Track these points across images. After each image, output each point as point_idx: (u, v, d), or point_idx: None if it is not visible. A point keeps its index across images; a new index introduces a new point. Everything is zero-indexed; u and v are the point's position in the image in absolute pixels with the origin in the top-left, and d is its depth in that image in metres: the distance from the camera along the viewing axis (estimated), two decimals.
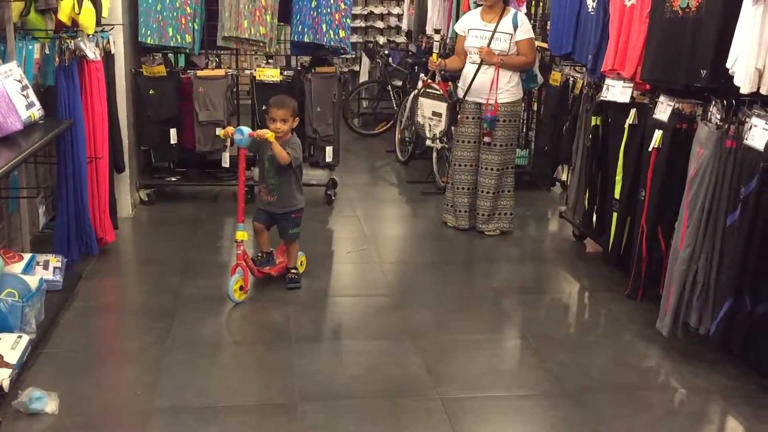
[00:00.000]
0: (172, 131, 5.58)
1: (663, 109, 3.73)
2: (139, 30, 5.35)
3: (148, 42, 5.39)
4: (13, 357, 2.95)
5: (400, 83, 8.83)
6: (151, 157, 5.77)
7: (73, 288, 3.94)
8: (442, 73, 5.47)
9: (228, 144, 5.68)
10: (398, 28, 10.55)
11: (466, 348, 3.58)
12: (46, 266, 3.83)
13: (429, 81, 5.48)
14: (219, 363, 3.36)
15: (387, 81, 8.92)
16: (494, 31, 4.97)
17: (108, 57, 4.82)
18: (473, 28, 5.08)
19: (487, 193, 5.21)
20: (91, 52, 4.18)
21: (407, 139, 7.40)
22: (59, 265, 3.88)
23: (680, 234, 3.41)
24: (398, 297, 4.18)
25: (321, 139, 5.70)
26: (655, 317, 3.63)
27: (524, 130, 6.69)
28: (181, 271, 4.36)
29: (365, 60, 9.87)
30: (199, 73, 5.51)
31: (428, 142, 5.88)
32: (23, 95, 3.54)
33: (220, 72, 5.58)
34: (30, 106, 3.57)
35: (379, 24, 10.99)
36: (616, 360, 3.52)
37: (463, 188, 5.31)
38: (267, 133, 3.85)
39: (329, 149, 5.71)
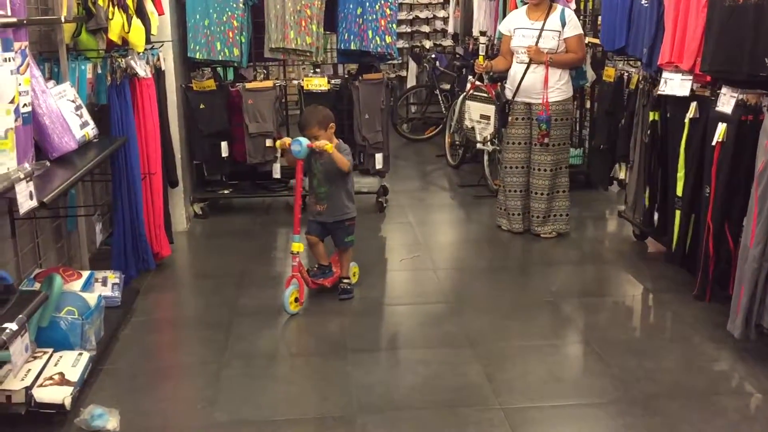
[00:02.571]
0: (223, 144, 5.62)
1: (726, 101, 3.57)
2: (188, 45, 5.41)
3: (198, 57, 5.44)
4: (74, 375, 2.97)
5: (448, 86, 8.77)
6: (204, 170, 5.81)
7: (132, 303, 3.98)
8: (490, 74, 5.38)
9: (279, 155, 5.70)
10: (444, 32, 10.48)
11: (526, 355, 3.48)
12: (104, 283, 3.88)
13: (476, 83, 5.39)
14: (276, 375, 3.34)
15: (435, 85, 8.86)
16: (542, 29, 4.86)
17: (159, 73, 4.88)
18: (519, 27, 4.98)
19: (541, 194, 5.09)
20: (142, 70, 4.22)
21: (457, 142, 7.32)
22: (117, 281, 3.92)
23: (750, 231, 3.25)
24: (454, 304, 4.10)
25: (370, 146, 5.66)
26: (725, 319, 3.47)
27: (577, 128, 6.54)
28: (236, 284, 4.37)
29: (412, 65, 9.82)
30: (248, 85, 5.54)
31: (479, 146, 5.79)
32: (77, 115, 3.60)
33: (268, 83, 5.59)
34: (84, 125, 3.62)
35: (425, 28, 10.95)
36: (685, 364, 3.37)
37: (515, 191, 5.20)
38: (326, 144, 3.80)
39: (379, 156, 5.67)
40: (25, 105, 2.98)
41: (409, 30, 11.01)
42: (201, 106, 5.53)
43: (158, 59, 4.90)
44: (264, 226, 5.61)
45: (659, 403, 3.03)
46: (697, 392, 3.12)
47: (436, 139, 8.60)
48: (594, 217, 5.78)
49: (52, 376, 2.93)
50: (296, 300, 3.88)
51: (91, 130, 3.67)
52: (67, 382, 2.91)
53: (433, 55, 9.13)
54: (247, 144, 5.58)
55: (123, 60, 4.08)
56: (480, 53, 5.36)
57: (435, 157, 7.95)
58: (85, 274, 3.67)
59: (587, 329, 3.79)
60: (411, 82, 9.83)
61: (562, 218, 5.18)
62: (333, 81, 5.64)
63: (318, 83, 5.53)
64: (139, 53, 4.26)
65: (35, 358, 3.03)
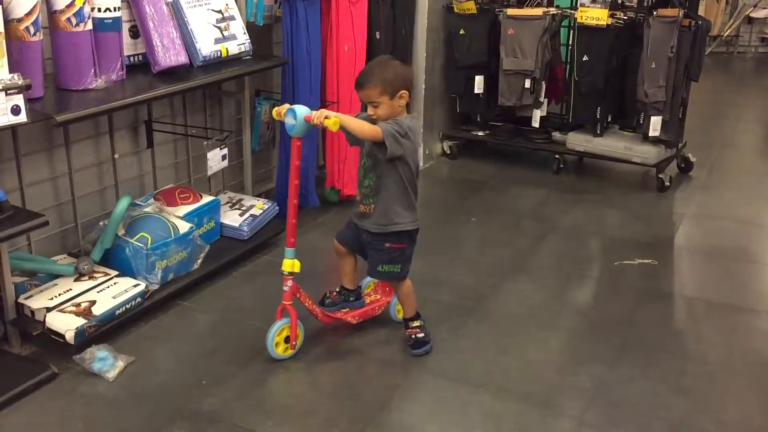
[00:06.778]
0: (478, 78, 4.84)
1: None
2: None
3: None
4: (104, 306, 2.74)
5: None
6: (457, 106, 5.11)
7: (270, 239, 3.64)
8: None
9: (542, 100, 4.72)
10: None
11: None
12: (244, 212, 3.61)
13: None
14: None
15: None
16: None
17: None
18: None
19: None
20: None
21: None
22: (259, 212, 3.62)
23: None
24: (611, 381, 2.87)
25: (650, 105, 4.29)
26: None
27: None
28: None
29: None
30: (510, 11, 4.60)
31: None
32: (217, 27, 3.27)
33: (537, 11, 4.56)
34: (224, 39, 3.29)
35: None
36: None
37: None
38: (326, 118, 2.42)
39: (655, 120, 4.27)
40: (101, 10, 2.75)
41: None
42: (461, 32, 4.80)
43: None
44: (502, 181, 4.73)
45: None
46: None
47: None
48: None
49: (81, 303, 2.76)
50: (287, 340, 2.71)
51: (235, 46, 3.32)
52: (88, 314, 2.71)
53: None
54: (501, 82, 4.70)
55: None
56: None
57: None
58: (208, 198, 3.43)
59: None
60: None
61: None
62: (619, 15, 4.36)
63: (594, 15, 4.32)
64: None
65: (91, 278, 2.92)
